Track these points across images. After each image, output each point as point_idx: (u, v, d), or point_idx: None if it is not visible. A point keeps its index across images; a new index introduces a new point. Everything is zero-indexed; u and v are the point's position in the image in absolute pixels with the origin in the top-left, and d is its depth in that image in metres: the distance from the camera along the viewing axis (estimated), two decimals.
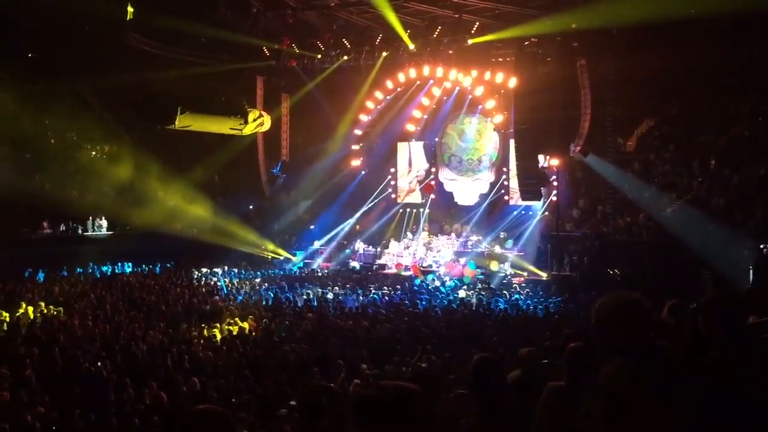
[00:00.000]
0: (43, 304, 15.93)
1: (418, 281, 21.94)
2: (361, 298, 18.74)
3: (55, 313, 15.18)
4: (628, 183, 22.49)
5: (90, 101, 25.86)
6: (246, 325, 14.17)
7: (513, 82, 23.48)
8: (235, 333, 13.64)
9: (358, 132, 28.42)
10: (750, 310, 4.01)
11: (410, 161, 29.03)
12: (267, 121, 27.39)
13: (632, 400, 2.55)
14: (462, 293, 19.96)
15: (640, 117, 24.45)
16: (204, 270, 23.24)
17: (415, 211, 28.30)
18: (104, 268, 23.01)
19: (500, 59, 24.89)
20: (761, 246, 16.07)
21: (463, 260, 24.07)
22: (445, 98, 27.33)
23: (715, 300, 3.54)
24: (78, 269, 22.08)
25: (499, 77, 24.34)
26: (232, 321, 14.47)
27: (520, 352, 5.97)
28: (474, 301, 18.23)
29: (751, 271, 15.56)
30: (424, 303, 17.58)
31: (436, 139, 28.25)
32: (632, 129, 24.54)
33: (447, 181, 28.09)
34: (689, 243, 17.51)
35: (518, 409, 4.75)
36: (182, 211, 25.93)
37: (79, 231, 25.05)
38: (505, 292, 20.11)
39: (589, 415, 2.66)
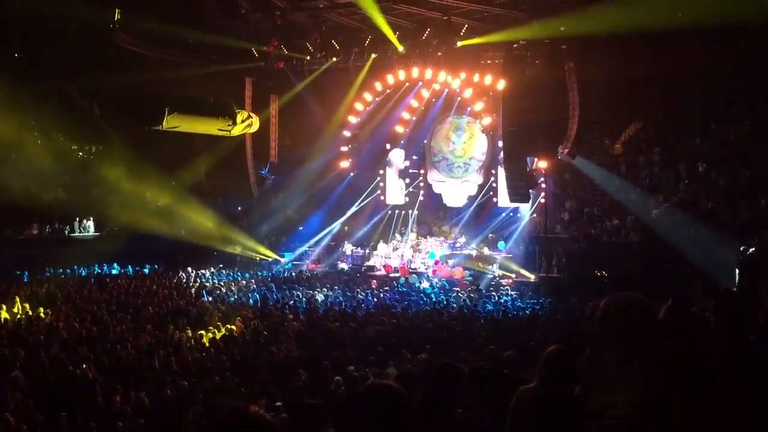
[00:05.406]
0: (27, 305, 15.80)
1: (403, 280, 22.09)
2: (349, 299, 18.72)
3: (42, 315, 15.06)
4: (615, 185, 22.59)
5: (78, 102, 25.68)
6: (234, 326, 14.13)
7: (501, 84, 23.53)
8: (223, 334, 13.59)
9: (346, 134, 28.36)
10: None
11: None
12: (255, 123, 27.24)
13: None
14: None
15: (628, 119, 24.56)
16: (191, 271, 23.13)
17: (403, 212, 28.33)
18: (91, 270, 22.84)
19: (489, 61, 24.95)
20: (742, 248, 16.12)
21: (451, 262, 24.12)
22: (434, 100, 27.33)
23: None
24: (66, 270, 21.91)
25: (488, 79, 24.37)
26: (219, 323, 14.43)
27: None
28: (462, 302, 18.19)
29: (737, 273, 15.62)
30: (412, 305, 17.58)
31: (425, 141, 28.27)
32: (620, 131, 24.64)
33: (436, 183, 28.12)
34: (676, 245, 17.62)
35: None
36: (170, 212, 25.79)
37: (66, 232, 24.84)
38: (493, 293, 20.15)
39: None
